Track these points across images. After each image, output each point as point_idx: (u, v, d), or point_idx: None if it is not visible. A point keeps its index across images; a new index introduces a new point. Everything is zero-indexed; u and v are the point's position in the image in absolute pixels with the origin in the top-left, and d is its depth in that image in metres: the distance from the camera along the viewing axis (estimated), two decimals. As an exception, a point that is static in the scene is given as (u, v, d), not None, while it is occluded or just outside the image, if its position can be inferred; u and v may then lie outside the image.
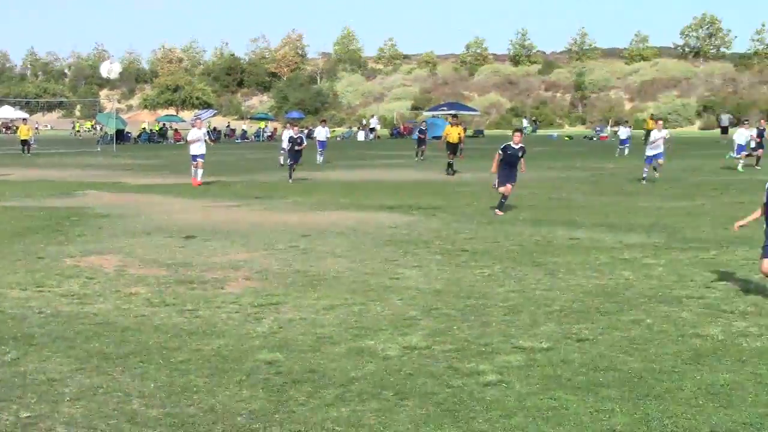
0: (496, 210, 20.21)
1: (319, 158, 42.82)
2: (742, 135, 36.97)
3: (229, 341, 8.95)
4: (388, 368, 8.02)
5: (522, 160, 20.90)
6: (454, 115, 43.28)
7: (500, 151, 20.63)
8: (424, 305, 10.64)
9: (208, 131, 31.99)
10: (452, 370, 7.93)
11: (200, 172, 29.13)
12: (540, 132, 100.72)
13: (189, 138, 30.85)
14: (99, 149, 61.31)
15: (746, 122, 43.19)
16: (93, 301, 10.90)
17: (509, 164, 20.45)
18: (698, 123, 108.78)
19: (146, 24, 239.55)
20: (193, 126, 32.56)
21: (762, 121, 40.85)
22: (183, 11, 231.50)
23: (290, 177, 30.92)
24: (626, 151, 50.23)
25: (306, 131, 51.46)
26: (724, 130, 78.83)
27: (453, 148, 35.27)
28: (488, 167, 33.49)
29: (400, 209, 21.67)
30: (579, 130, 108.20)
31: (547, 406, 6.96)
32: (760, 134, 37.83)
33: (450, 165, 35.21)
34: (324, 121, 50.47)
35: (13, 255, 14.50)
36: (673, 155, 46.51)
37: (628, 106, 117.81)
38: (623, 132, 54.26)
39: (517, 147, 20.55)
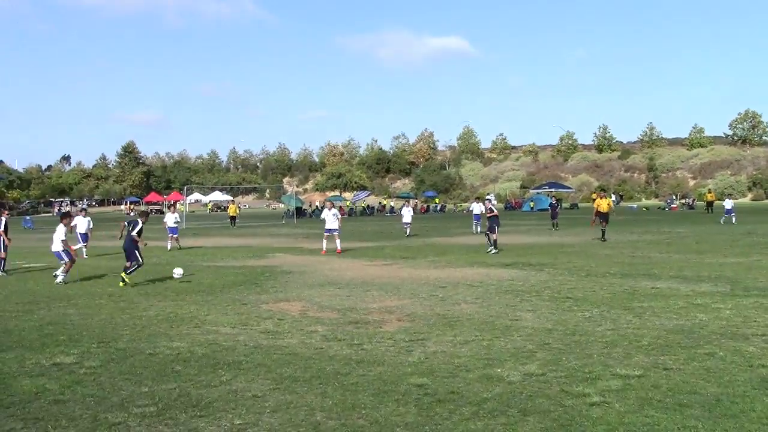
0: None
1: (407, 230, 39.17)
2: None
3: (388, 368, 8.91)
4: (513, 391, 7.83)
5: None
6: (602, 189, 39.67)
7: None
8: (539, 341, 10.39)
9: (336, 209, 29.84)
10: (564, 393, 7.70)
11: (337, 241, 28.05)
12: (623, 204, 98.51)
13: (322, 216, 29.71)
14: (284, 222, 62.80)
15: None
16: (283, 337, 11.05)
17: None
18: (750, 195, 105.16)
19: (315, 127, 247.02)
20: (324, 207, 30.90)
21: None
22: (343, 117, 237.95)
23: (494, 246, 26.52)
24: (733, 219, 45.67)
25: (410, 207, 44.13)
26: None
27: (604, 217, 32.19)
28: (581, 233, 33.04)
29: (515, 266, 21.30)
30: (653, 202, 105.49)
31: (642, 422, 6.66)
32: None
33: (603, 232, 31.90)
34: (408, 200, 45.60)
35: (224, 302, 14.87)
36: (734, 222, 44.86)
37: (691, 183, 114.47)
38: (728, 203, 49.30)
39: None
